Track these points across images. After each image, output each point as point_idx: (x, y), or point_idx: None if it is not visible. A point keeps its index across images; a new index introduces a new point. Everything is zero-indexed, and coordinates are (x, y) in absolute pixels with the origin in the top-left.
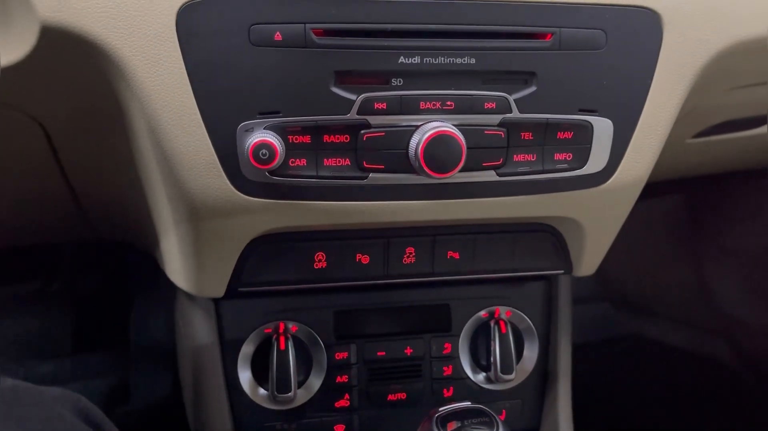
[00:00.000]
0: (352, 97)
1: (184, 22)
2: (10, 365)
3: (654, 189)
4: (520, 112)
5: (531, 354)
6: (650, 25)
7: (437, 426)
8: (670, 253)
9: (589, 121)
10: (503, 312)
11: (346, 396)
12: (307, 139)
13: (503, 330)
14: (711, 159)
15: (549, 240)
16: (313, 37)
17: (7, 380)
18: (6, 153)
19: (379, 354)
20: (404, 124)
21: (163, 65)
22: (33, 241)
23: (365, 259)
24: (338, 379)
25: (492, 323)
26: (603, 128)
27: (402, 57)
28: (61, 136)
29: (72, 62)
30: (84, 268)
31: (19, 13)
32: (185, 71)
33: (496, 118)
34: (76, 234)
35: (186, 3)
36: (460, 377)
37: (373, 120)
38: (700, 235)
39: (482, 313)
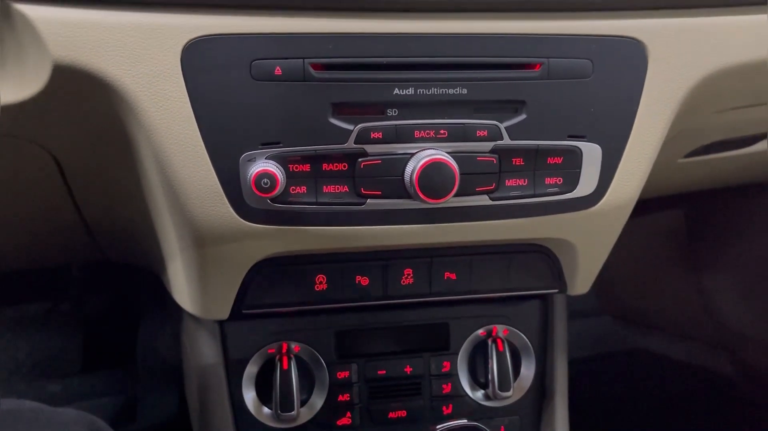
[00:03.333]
0: (350, 127)
1: (188, 58)
2: (20, 385)
3: (652, 203)
4: (511, 138)
5: (528, 371)
6: (635, 54)
7: None
8: (669, 267)
9: (578, 146)
10: (500, 330)
11: (348, 414)
12: (306, 167)
13: (500, 348)
14: (705, 177)
15: (543, 260)
16: (312, 71)
17: (25, 402)
18: (19, 181)
19: (379, 372)
20: (400, 152)
21: (169, 100)
22: (42, 263)
23: (365, 281)
24: (340, 398)
25: (489, 341)
26: (592, 153)
27: (397, 88)
28: (71, 166)
29: (82, 97)
30: (92, 289)
31: (32, 52)
32: (190, 105)
33: (488, 145)
34: (84, 257)
35: (190, 41)
36: (459, 394)
37: (370, 148)
38: (700, 249)
39: (480, 332)
